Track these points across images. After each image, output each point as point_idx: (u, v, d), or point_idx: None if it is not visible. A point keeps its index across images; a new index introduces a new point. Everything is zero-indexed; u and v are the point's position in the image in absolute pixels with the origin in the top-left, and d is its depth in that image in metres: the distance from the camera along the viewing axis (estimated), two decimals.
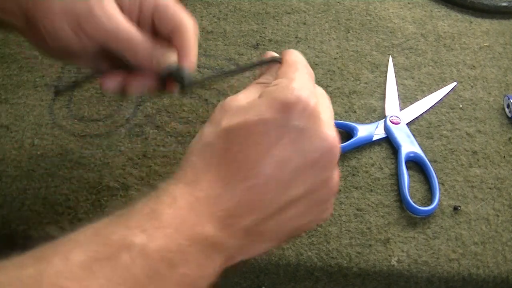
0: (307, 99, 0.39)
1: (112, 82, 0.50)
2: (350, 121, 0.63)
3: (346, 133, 0.62)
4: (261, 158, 0.38)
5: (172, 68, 0.48)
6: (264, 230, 0.39)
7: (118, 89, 0.50)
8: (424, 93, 0.67)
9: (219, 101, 0.64)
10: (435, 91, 0.67)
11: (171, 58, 0.48)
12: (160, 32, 0.49)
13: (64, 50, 0.48)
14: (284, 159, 0.38)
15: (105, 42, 0.47)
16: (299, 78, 0.41)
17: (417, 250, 0.54)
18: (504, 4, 0.77)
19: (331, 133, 0.40)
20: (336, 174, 0.41)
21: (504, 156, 0.62)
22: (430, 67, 0.70)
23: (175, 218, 0.36)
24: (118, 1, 0.47)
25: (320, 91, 0.43)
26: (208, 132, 0.40)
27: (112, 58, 0.48)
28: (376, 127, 0.62)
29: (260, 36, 0.72)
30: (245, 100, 0.41)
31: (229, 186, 0.37)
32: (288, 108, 0.38)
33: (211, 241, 0.36)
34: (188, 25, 0.49)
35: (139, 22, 0.49)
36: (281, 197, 0.39)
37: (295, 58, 0.44)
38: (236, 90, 0.65)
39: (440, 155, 0.61)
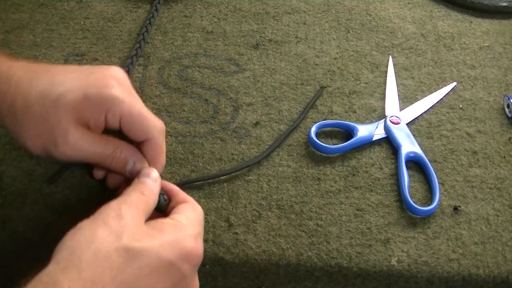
0: (201, 250, 0.44)
1: (101, 172, 0.53)
2: (350, 121, 0.63)
3: (346, 133, 0.62)
4: None
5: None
6: None
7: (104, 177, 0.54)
8: (424, 93, 0.67)
9: (219, 101, 0.65)
10: (435, 91, 0.67)
11: (142, 166, 0.50)
12: (129, 138, 0.50)
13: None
14: None
15: (76, 162, 0.50)
16: (197, 225, 0.46)
17: (417, 250, 0.54)
18: (504, 4, 0.77)
19: (197, 283, 0.45)
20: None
21: (504, 156, 0.62)
22: (430, 67, 0.70)
23: None
24: (82, 120, 0.48)
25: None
26: (106, 241, 0.40)
27: None
28: (376, 127, 0.62)
29: (260, 36, 0.72)
30: (139, 219, 0.43)
31: None
32: (185, 255, 0.42)
33: None
34: (156, 136, 0.50)
35: (106, 128, 0.50)
36: None
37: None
38: (236, 91, 0.66)
39: (440, 155, 0.61)
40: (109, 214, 0.42)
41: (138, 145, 0.51)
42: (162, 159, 0.52)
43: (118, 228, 0.41)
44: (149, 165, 0.51)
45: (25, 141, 0.48)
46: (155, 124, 0.50)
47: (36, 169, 0.57)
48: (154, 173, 0.49)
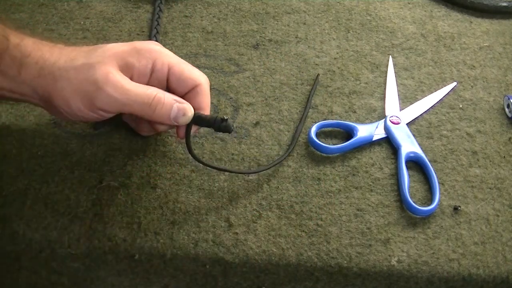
0: None
1: (145, 128, 0.56)
2: (350, 121, 0.63)
3: (346, 133, 0.62)
4: None
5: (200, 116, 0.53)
6: None
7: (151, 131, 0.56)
8: (424, 93, 0.67)
9: (219, 101, 0.65)
10: (435, 91, 0.67)
11: (186, 113, 0.51)
12: (174, 90, 0.52)
13: (86, 120, 0.52)
14: None
15: (120, 110, 0.50)
16: None
17: (417, 250, 0.54)
18: (504, 4, 0.77)
19: None
20: None
21: (504, 156, 0.62)
22: (430, 67, 0.70)
23: None
24: (126, 68, 0.49)
25: None
26: None
27: None
28: (376, 127, 0.62)
29: (260, 36, 0.72)
30: None
31: None
32: None
33: None
34: (204, 85, 0.52)
35: (150, 82, 0.51)
36: None
37: None
38: (236, 91, 0.66)
39: (440, 155, 0.61)
40: None
41: (182, 97, 0.52)
42: (209, 105, 0.53)
43: None
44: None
45: (64, 99, 0.48)
46: (201, 76, 0.52)
47: (36, 169, 0.57)
48: None
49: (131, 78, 0.49)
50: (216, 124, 0.53)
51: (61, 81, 0.48)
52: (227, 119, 0.52)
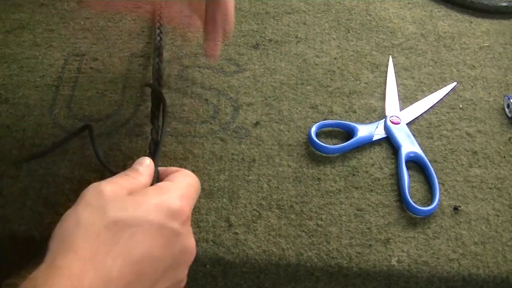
0: (188, 209, 0.45)
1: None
2: (350, 121, 0.63)
3: (346, 133, 0.62)
4: (142, 256, 0.41)
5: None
6: None
7: None
8: (424, 93, 0.67)
9: (219, 101, 0.65)
10: (435, 91, 0.67)
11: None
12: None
13: None
14: (160, 259, 0.42)
15: None
16: (185, 187, 0.47)
17: (417, 250, 0.54)
18: (504, 4, 0.77)
19: (193, 241, 0.46)
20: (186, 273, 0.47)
21: (504, 156, 0.62)
22: (430, 67, 0.70)
23: None
24: None
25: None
26: (92, 219, 0.41)
27: None
28: (376, 127, 0.62)
29: (260, 36, 0.72)
30: (120, 192, 0.44)
31: (112, 281, 0.40)
32: (172, 215, 0.43)
33: None
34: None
35: None
36: None
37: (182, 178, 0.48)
38: (236, 91, 0.66)
39: (440, 155, 0.61)
40: (89, 194, 0.43)
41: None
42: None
43: (99, 204, 0.42)
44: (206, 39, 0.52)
45: None
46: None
47: (37, 169, 0.57)
48: (145, 161, 0.50)
49: None
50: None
51: None
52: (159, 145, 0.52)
